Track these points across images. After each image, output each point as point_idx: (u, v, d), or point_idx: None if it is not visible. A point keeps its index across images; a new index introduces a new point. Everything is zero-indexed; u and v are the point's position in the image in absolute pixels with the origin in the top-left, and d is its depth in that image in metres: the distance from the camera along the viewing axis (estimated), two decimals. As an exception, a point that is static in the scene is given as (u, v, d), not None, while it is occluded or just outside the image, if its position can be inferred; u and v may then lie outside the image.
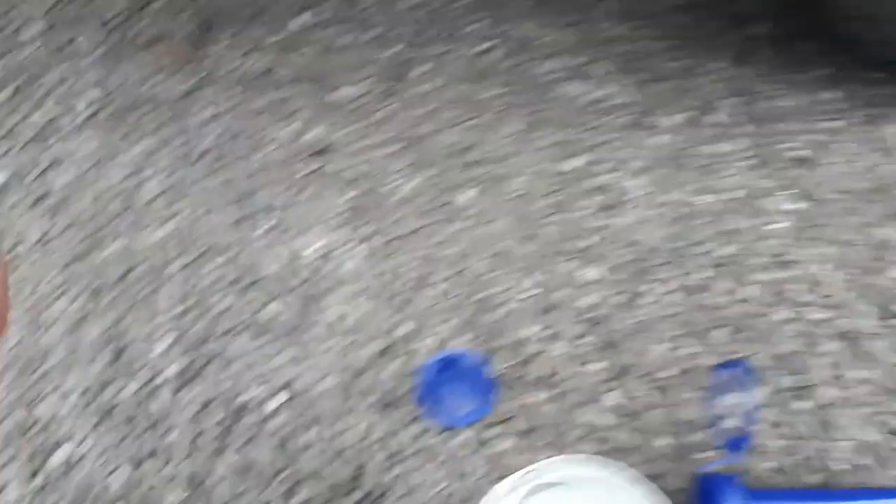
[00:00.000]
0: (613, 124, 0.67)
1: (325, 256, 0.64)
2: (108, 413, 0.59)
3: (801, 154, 0.65)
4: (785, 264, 0.61)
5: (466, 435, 0.56)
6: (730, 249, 0.61)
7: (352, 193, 0.67)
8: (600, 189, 0.65)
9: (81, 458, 0.57)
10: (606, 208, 0.64)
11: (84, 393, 0.59)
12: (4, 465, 0.57)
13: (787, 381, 0.56)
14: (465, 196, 0.66)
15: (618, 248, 0.62)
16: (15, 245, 0.66)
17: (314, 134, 0.69)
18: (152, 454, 0.57)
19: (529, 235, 0.64)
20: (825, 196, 0.63)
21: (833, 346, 0.57)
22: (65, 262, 0.65)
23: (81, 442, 0.58)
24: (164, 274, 0.64)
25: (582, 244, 0.63)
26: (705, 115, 0.67)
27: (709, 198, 0.64)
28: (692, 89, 0.68)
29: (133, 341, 0.61)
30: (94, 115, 0.71)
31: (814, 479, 0.53)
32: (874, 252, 0.61)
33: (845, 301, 0.59)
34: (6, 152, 0.70)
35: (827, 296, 0.59)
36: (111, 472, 0.57)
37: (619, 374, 0.58)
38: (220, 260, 0.64)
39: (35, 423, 0.59)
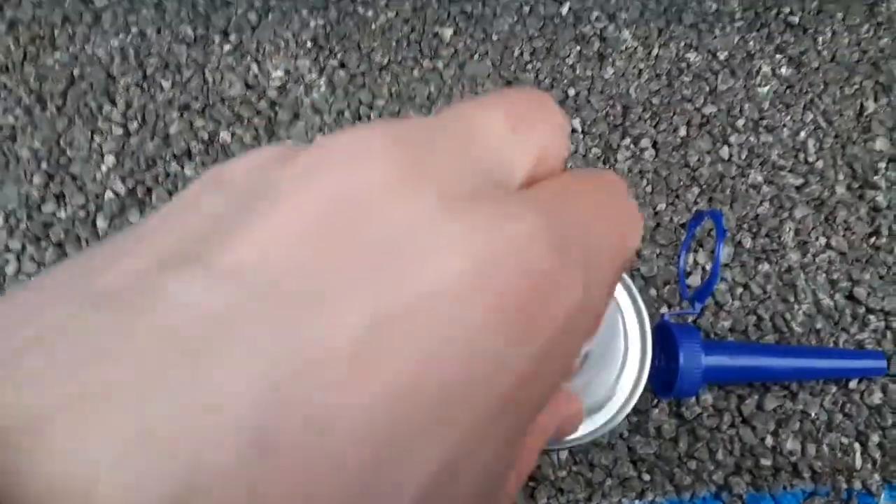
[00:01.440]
0: (604, -27, 0.64)
1: (286, 85, 0.60)
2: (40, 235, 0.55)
3: (793, 20, 0.63)
4: (765, 128, 0.60)
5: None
6: (711, 109, 0.60)
7: (321, 21, 0.62)
8: (587, 38, 0.62)
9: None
10: (591, 58, 0.62)
11: (14, 212, 0.55)
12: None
13: (752, 243, 0.56)
14: (445, 32, 0.62)
15: (599, 99, 0.60)
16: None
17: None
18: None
19: (509, 79, 0.61)
20: (812, 64, 0.62)
21: (803, 211, 0.57)
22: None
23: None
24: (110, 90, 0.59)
25: (562, 93, 0.61)
26: (699, -26, 0.64)
27: (697, 56, 0.62)
28: (689, -55, 0.65)
29: (73, 160, 0.57)
30: None
31: (769, 339, 0.54)
32: (856, 123, 0.60)
33: (821, 169, 0.58)
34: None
35: (803, 162, 0.59)
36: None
37: (587, 227, 0.56)
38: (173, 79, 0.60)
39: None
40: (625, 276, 0.39)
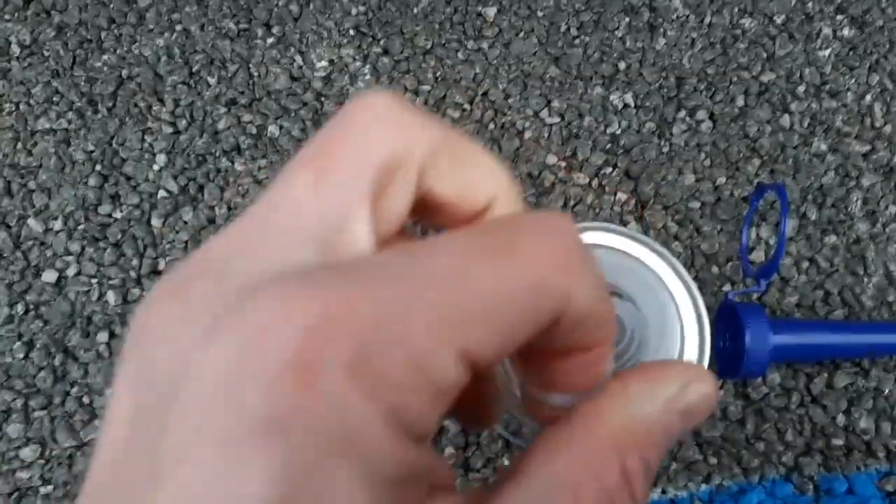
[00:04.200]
0: (651, -60, 0.61)
1: (331, 75, 0.60)
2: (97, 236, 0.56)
3: (855, -23, 0.60)
4: (827, 93, 0.57)
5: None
6: (770, 76, 0.57)
7: (362, 7, 0.61)
8: (636, 9, 0.60)
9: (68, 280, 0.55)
10: (642, 30, 0.60)
11: (72, 214, 0.56)
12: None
13: (818, 215, 0.54)
14: (488, 11, 0.61)
15: (652, 72, 0.58)
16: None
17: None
18: (147, 277, 0.55)
19: (556, 55, 0.59)
20: (877, 22, 0.58)
21: (871, 179, 0.55)
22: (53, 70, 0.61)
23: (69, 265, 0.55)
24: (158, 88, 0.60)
25: (612, 68, 0.59)
26: (752, -66, 0.61)
27: (752, 21, 0.59)
28: None
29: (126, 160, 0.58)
30: None
31: (837, 314, 0.52)
32: (925, 83, 0.57)
33: (889, 134, 0.56)
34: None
35: (870, 128, 0.56)
36: (101, 295, 0.54)
37: (643, 205, 0.55)
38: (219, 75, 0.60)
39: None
40: (676, 262, 0.38)
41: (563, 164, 0.56)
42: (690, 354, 0.38)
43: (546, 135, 0.57)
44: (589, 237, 0.37)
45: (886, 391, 0.50)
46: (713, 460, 0.49)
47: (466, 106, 0.58)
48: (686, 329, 0.38)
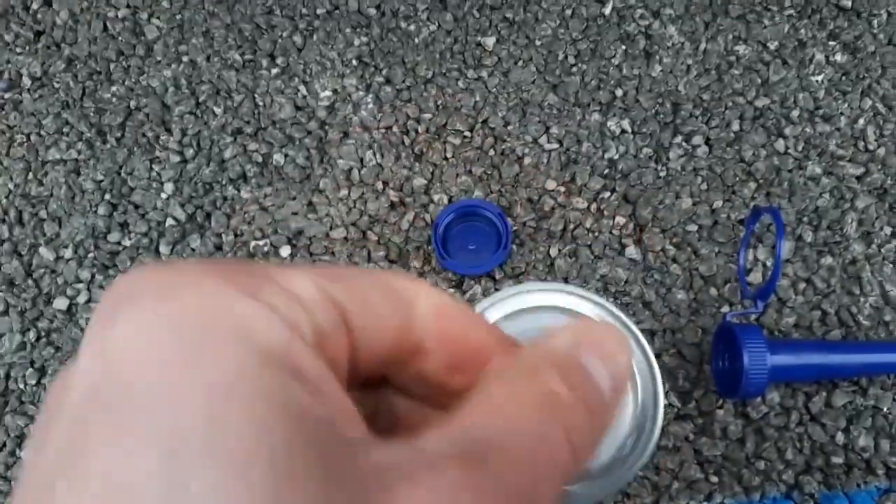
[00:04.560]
0: (646, -30, 0.63)
1: (334, 104, 0.61)
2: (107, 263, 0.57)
3: (845, 4, 0.61)
4: (821, 118, 0.58)
5: (483, 285, 0.55)
6: (764, 101, 0.59)
7: (364, 38, 0.63)
8: (632, 37, 0.62)
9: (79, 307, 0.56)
10: (638, 57, 0.61)
11: (82, 242, 0.57)
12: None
13: (814, 237, 0.55)
14: (487, 41, 0.62)
15: (648, 99, 0.60)
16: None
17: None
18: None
19: (554, 84, 0.61)
20: (869, 48, 0.60)
21: (866, 201, 0.56)
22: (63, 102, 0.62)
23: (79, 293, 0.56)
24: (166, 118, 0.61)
25: (609, 95, 0.60)
26: (744, -37, 0.63)
27: (746, 48, 0.61)
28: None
29: (135, 189, 0.59)
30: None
31: (835, 334, 0.53)
32: (916, 106, 0.58)
33: (882, 156, 0.57)
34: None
35: (863, 150, 0.57)
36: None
37: (641, 228, 0.56)
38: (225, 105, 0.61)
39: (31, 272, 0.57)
40: (618, 311, 0.38)
41: (562, 189, 0.57)
42: (646, 397, 0.37)
43: (545, 160, 0.58)
44: (535, 298, 0.37)
45: (885, 409, 0.51)
46: (714, 479, 0.50)
47: (467, 133, 0.59)
48: (638, 376, 0.37)
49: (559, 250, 0.55)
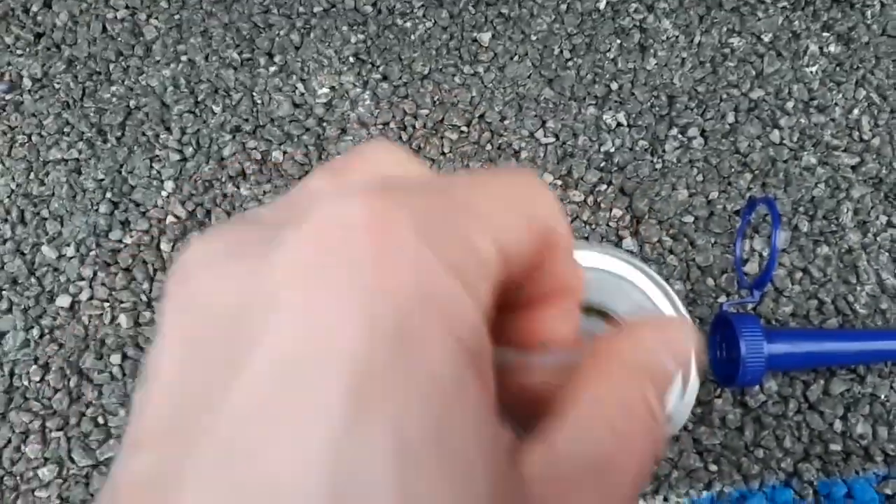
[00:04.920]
0: (640, -36, 0.63)
1: (332, 101, 0.62)
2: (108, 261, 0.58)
3: (838, -5, 0.62)
4: (816, 109, 0.59)
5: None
6: (759, 93, 0.59)
7: (361, 35, 0.64)
8: (627, 31, 0.62)
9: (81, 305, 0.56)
10: (633, 51, 0.62)
11: (84, 240, 0.58)
12: (2, 315, 0.56)
13: (810, 226, 0.55)
14: (483, 37, 0.63)
15: (644, 92, 0.60)
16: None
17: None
18: (158, 300, 0.56)
19: (550, 78, 0.61)
20: (862, 39, 0.60)
21: (861, 191, 0.56)
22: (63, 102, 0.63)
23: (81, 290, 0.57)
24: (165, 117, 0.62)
25: (605, 88, 0.61)
26: (738, -45, 0.63)
27: (740, 40, 0.61)
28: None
29: (135, 188, 0.60)
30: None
31: (832, 322, 0.53)
32: (910, 96, 0.58)
33: (877, 146, 0.57)
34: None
35: (858, 140, 0.58)
36: (114, 318, 0.56)
37: (638, 220, 0.56)
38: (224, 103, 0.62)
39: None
40: (660, 279, 0.39)
41: (559, 182, 0.58)
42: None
43: (542, 154, 0.59)
44: (577, 258, 0.38)
45: (882, 396, 0.51)
46: (713, 467, 0.50)
47: (464, 128, 0.60)
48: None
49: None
